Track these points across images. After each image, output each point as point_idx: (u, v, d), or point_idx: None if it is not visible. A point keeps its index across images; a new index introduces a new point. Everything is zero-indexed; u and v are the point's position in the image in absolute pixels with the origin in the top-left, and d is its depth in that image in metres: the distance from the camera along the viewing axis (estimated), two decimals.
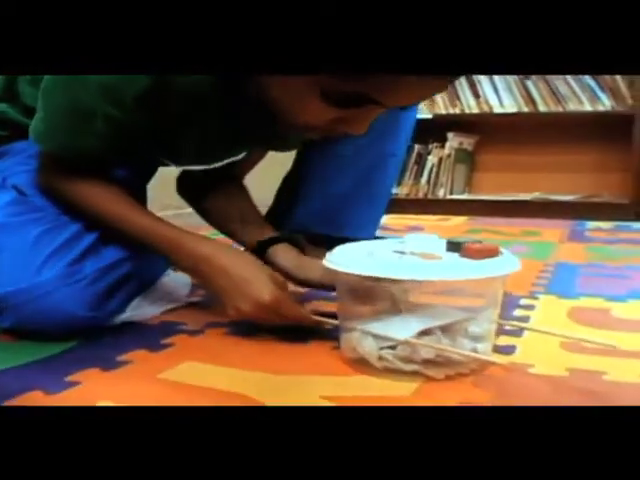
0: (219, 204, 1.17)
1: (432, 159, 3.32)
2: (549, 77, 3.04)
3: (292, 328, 0.92)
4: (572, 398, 0.74)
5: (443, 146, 3.30)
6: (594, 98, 3.01)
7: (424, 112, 3.13)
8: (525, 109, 3.14)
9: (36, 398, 0.73)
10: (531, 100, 3.12)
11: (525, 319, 1.05)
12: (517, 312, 1.10)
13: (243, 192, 1.21)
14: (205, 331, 0.99)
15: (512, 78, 3.13)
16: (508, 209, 2.97)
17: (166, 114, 0.90)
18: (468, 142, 3.35)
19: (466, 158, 3.37)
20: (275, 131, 1.04)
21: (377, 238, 1.21)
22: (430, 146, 3.33)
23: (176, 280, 1.11)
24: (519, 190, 3.21)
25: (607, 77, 2.95)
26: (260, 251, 1.06)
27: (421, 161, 3.34)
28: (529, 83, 3.11)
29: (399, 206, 2.82)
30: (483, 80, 3.19)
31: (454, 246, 0.82)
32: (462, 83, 3.22)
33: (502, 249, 0.82)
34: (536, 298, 1.21)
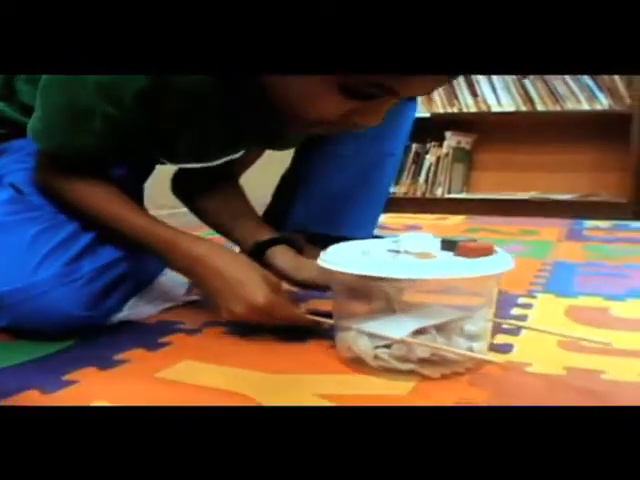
0: (214, 204, 1.16)
1: (430, 158, 3.32)
2: (547, 76, 3.04)
3: (289, 328, 0.92)
4: (570, 397, 0.74)
5: (441, 145, 3.30)
6: (592, 97, 3.01)
7: (422, 111, 3.13)
8: (523, 108, 3.14)
9: (33, 397, 0.73)
10: (529, 99, 3.12)
11: (523, 318, 1.05)
12: (515, 311, 1.10)
13: (239, 191, 1.21)
14: (203, 330, 0.99)
15: (510, 77, 3.13)
16: (506, 208, 2.97)
17: (165, 113, 0.89)
18: (466, 141, 3.36)
19: (464, 157, 3.38)
20: (274, 130, 1.04)
21: (375, 237, 1.21)
22: (428, 145, 3.33)
23: (173, 279, 1.11)
24: (517, 189, 3.21)
25: (605, 76, 2.96)
26: (258, 252, 1.05)
27: (419, 160, 3.34)
28: (527, 82, 3.11)
29: (397, 205, 2.82)
30: (481, 79, 3.20)
31: (449, 245, 0.82)
32: (460, 82, 3.22)
33: (496, 248, 0.82)
34: (534, 297, 1.21)
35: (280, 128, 1.04)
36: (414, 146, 3.31)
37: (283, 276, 1.03)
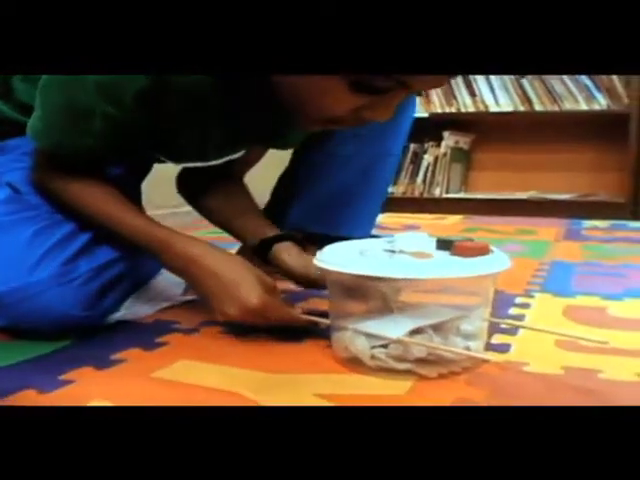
0: (219, 202, 1.16)
1: (428, 158, 3.32)
2: (545, 76, 3.04)
3: (285, 328, 0.92)
4: (567, 396, 0.74)
5: (439, 145, 3.30)
6: (590, 97, 3.01)
7: (420, 111, 3.13)
8: (521, 108, 3.14)
9: (30, 397, 0.73)
10: (527, 99, 3.12)
11: (521, 317, 1.05)
12: (513, 310, 1.10)
13: (243, 189, 1.21)
14: (200, 330, 0.99)
15: (508, 77, 3.13)
16: (504, 208, 2.97)
17: (165, 113, 0.89)
18: (464, 141, 3.36)
19: (462, 157, 3.37)
20: (277, 129, 1.04)
21: (373, 237, 1.21)
22: (426, 145, 3.33)
23: (170, 279, 1.11)
24: (515, 189, 3.21)
25: (603, 76, 2.95)
26: (263, 249, 1.05)
27: (417, 160, 3.34)
28: (525, 82, 3.11)
29: (395, 205, 2.82)
30: (479, 79, 3.19)
31: (445, 244, 0.82)
32: (458, 82, 3.22)
33: (493, 247, 0.82)
34: (532, 296, 1.21)
35: (284, 127, 1.04)
36: (412, 146, 3.31)
37: (289, 273, 1.03)
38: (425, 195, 3.31)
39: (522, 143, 3.25)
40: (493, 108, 3.19)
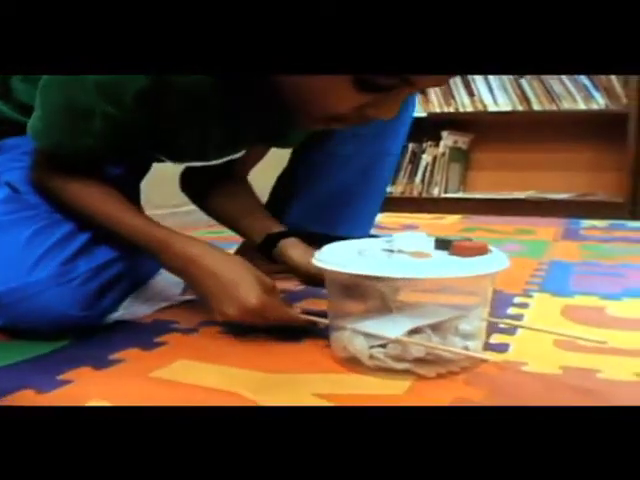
0: (223, 200, 1.16)
1: (426, 158, 3.32)
2: (543, 76, 3.04)
3: (284, 328, 0.92)
4: (566, 396, 0.74)
5: (437, 145, 3.30)
6: (588, 97, 3.02)
7: (419, 110, 3.13)
8: (519, 108, 3.14)
9: (28, 397, 0.73)
10: (525, 99, 3.12)
11: (519, 317, 1.05)
12: (511, 310, 1.10)
13: (247, 187, 1.21)
14: (198, 330, 0.99)
15: (506, 77, 3.13)
16: (503, 207, 2.98)
17: (165, 113, 0.89)
18: (462, 140, 3.36)
19: (460, 157, 3.38)
20: (278, 128, 1.04)
21: (371, 237, 1.21)
22: (424, 145, 3.33)
23: (168, 279, 1.11)
24: (514, 188, 3.22)
25: (601, 76, 2.96)
26: (269, 244, 1.05)
27: (415, 160, 3.34)
28: (523, 82, 3.11)
29: (394, 205, 2.82)
30: (477, 78, 3.19)
31: (443, 244, 0.82)
32: (456, 82, 3.22)
33: (491, 247, 0.82)
34: (530, 296, 1.21)
35: (286, 126, 1.04)
36: (411, 146, 3.31)
37: (294, 269, 1.03)
38: (424, 195, 3.31)
39: (520, 143, 3.25)
40: (491, 108, 3.19)
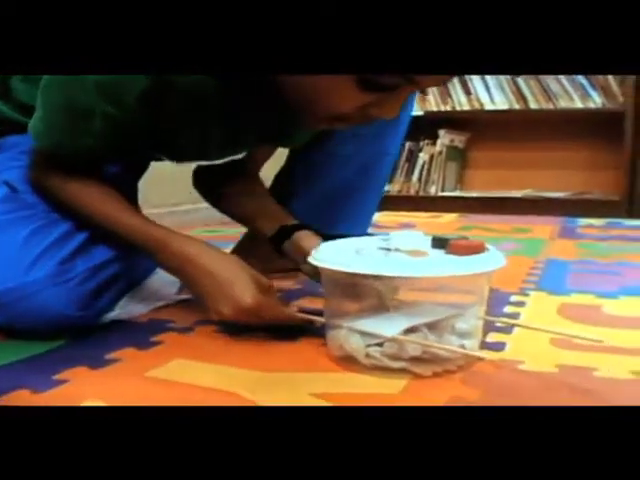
0: (237, 197, 1.16)
1: (423, 156, 3.32)
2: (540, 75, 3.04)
3: (281, 326, 0.92)
4: (562, 394, 0.74)
5: (434, 143, 3.30)
6: (585, 95, 3.02)
7: (415, 109, 3.12)
8: (516, 106, 3.14)
9: (23, 397, 0.72)
10: (522, 97, 3.12)
11: (516, 316, 1.05)
12: (508, 309, 1.10)
13: (259, 183, 1.21)
14: (194, 329, 0.99)
15: (503, 75, 3.13)
16: (499, 206, 2.98)
17: (166, 113, 0.89)
18: (459, 139, 3.36)
19: (457, 155, 3.38)
20: (282, 128, 1.04)
21: (368, 235, 1.21)
22: (421, 143, 3.33)
23: (165, 278, 1.11)
24: (510, 187, 3.22)
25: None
26: (282, 236, 1.04)
27: (412, 158, 3.34)
28: (520, 80, 3.11)
29: (391, 203, 2.82)
30: (474, 77, 3.19)
31: (440, 243, 0.82)
32: (453, 81, 3.21)
33: (488, 245, 0.82)
34: (527, 295, 1.21)
35: (289, 126, 1.04)
36: (407, 144, 3.31)
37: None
38: (421, 193, 3.32)
39: (517, 141, 3.25)
40: (488, 106, 3.19)
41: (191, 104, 0.89)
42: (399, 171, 3.33)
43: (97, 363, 0.83)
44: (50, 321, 0.90)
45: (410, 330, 0.79)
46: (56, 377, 0.78)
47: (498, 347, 0.89)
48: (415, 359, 0.78)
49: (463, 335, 0.82)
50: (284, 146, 1.20)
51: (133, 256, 1.00)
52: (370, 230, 1.39)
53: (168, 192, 1.24)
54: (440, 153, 3.29)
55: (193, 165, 1.18)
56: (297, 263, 1.02)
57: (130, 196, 1.03)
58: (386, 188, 2.75)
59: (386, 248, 0.83)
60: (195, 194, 1.23)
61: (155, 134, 0.94)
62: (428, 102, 3.26)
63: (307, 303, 1.09)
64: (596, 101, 3.00)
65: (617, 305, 1.14)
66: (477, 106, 3.21)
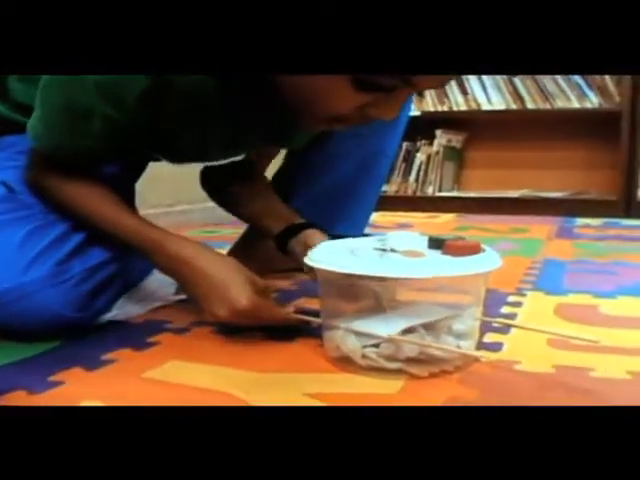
0: (244, 196, 1.16)
1: (420, 156, 3.32)
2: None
3: (277, 327, 0.92)
4: (559, 395, 0.74)
5: (431, 143, 3.30)
6: (582, 95, 3.02)
7: (412, 109, 3.12)
8: (513, 106, 3.14)
9: (19, 398, 0.72)
10: (519, 97, 3.12)
11: (513, 316, 1.05)
12: (505, 309, 1.10)
13: (265, 182, 1.21)
14: (191, 330, 0.98)
15: (500, 75, 3.13)
16: (496, 206, 2.98)
17: (166, 113, 0.89)
18: (456, 139, 3.36)
19: (454, 155, 3.38)
20: (281, 129, 1.04)
21: (365, 235, 1.21)
22: (418, 143, 3.33)
23: (161, 279, 1.11)
24: (507, 187, 3.22)
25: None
26: (289, 234, 1.04)
27: (409, 158, 3.34)
28: (517, 80, 3.11)
29: (388, 203, 2.82)
30: (471, 77, 3.19)
31: (436, 243, 0.82)
32: (450, 81, 3.21)
33: (484, 246, 0.82)
34: (524, 295, 1.21)
35: (289, 127, 1.04)
36: (405, 144, 3.31)
37: None
38: (418, 193, 3.31)
39: (514, 141, 3.25)
40: (485, 106, 3.19)
41: (191, 104, 0.89)
42: (396, 171, 3.33)
43: (93, 364, 0.83)
44: (47, 322, 0.90)
45: (407, 331, 0.79)
46: (52, 378, 0.78)
47: (495, 347, 0.89)
48: (412, 360, 0.78)
49: (460, 336, 0.82)
50: (284, 147, 1.20)
51: (130, 257, 1.00)
52: (367, 230, 1.39)
53: (165, 192, 1.24)
54: (437, 153, 3.29)
55: (190, 166, 1.18)
56: (301, 262, 1.02)
57: (128, 196, 1.03)
58: (383, 188, 2.75)
59: (382, 249, 0.82)
60: (191, 194, 1.23)
61: (155, 134, 0.94)
62: (425, 102, 3.26)
63: (304, 304, 1.09)
64: (593, 101, 3.00)
65: (614, 305, 1.14)
66: (474, 106, 3.21)
